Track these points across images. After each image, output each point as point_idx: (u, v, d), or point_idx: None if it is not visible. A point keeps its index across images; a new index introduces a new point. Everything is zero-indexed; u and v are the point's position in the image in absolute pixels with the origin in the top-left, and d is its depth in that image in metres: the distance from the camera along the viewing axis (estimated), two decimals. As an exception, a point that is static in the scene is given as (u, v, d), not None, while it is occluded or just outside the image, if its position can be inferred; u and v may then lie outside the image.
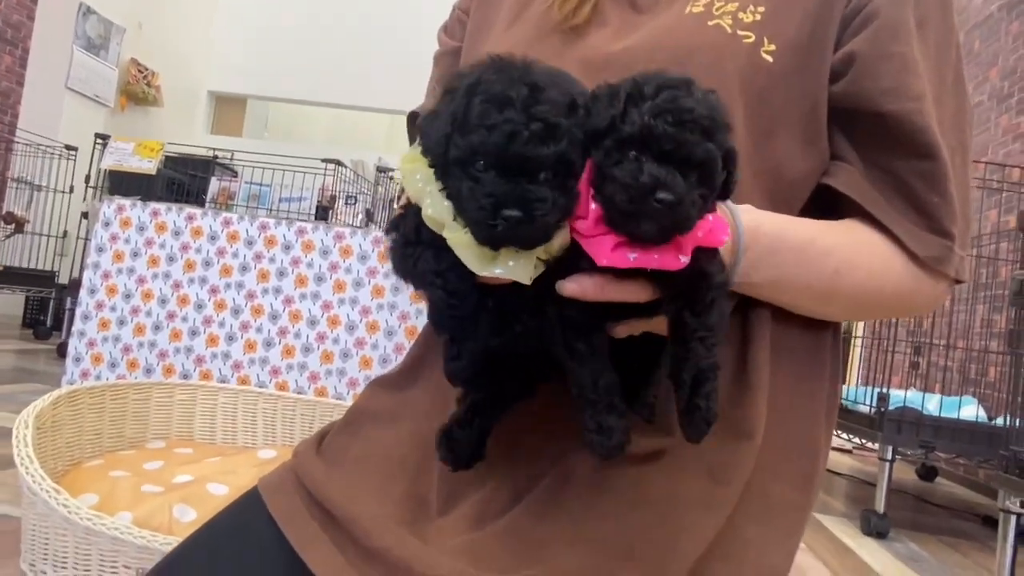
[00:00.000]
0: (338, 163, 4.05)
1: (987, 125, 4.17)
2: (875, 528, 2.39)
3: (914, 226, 0.57)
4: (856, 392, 2.79)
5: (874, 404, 2.44)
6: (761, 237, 0.53)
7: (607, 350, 0.45)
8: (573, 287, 0.43)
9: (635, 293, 0.44)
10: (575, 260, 0.42)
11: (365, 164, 5.00)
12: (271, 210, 3.78)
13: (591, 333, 0.45)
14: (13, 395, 2.83)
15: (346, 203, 4.27)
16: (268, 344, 1.81)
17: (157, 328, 1.84)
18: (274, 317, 1.81)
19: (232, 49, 7.41)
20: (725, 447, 0.54)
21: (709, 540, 0.52)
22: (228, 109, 7.92)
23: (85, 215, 4.48)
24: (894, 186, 0.58)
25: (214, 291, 1.82)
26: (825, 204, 0.61)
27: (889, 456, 2.39)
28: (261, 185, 3.99)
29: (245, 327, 1.81)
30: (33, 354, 4.07)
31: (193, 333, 1.83)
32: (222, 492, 1.32)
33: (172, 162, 4.41)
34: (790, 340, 0.60)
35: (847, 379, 4.07)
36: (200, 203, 4.09)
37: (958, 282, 0.61)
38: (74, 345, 1.88)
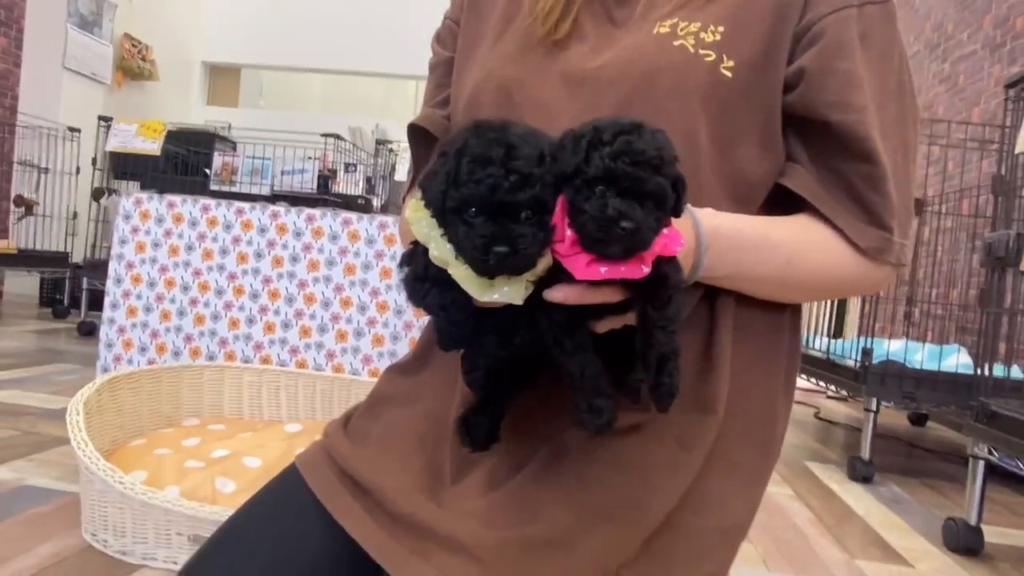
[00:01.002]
0: (337, 137, 4.11)
1: (980, 75, 4.16)
2: (860, 474, 2.49)
3: (857, 220, 0.65)
4: (844, 346, 2.85)
5: (859, 358, 2.52)
6: (721, 237, 0.61)
7: (590, 344, 0.54)
8: (557, 295, 0.51)
9: (609, 296, 0.52)
10: (557, 274, 0.51)
11: (363, 131, 5.03)
12: (274, 185, 3.85)
13: (576, 331, 0.53)
14: (45, 376, 2.91)
15: (346, 171, 4.35)
16: (286, 325, 1.92)
17: (181, 313, 1.94)
18: (290, 300, 1.90)
19: (223, 17, 7.27)
20: (692, 420, 0.63)
21: (677, 498, 0.62)
22: (222, 79, 7.86)
23: (96, 197, 4.53)
24: (841, 186, 0.65)
25: (232, 277, 1.92)
26: (781, 200, 0.69)
27: (873, 407, 2.47)
28: (263, 159, 4.05)
29: (263, 310, 1.91)
30: (54, 334, 4.14)
31: (215, 317, 1.93)
32: (256, 464, 1.43)
33: (173, 137, 4.45)
34: (752, 322, 0.68)
35: (844, 335, 4.16)
36: (204, 177, 4.15)
37: (901, 266, 0.70)
38: (105, 332, 1.99)
